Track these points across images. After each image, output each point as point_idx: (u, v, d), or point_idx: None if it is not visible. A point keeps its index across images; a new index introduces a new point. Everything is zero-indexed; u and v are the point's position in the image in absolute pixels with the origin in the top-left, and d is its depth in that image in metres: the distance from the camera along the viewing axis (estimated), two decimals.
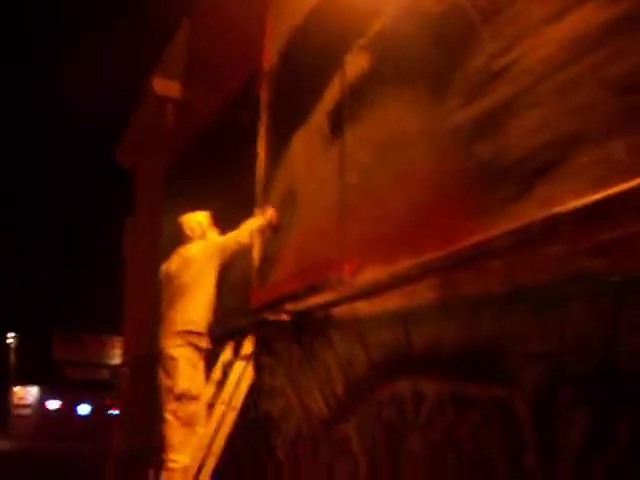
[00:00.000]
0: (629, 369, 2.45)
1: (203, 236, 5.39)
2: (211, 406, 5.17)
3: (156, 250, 9.97)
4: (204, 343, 5.05)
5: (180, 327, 4.98)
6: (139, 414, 9.63)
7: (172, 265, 5.30)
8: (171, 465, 4.86)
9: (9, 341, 43.40)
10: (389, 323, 3.88)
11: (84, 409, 39.64)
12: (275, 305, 5.18)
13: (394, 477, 3.74)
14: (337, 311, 4.45)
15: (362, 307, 4.17)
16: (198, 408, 5.01)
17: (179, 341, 4.96)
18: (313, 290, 4.72)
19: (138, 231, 12.43)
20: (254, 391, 5.43)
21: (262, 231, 5.61)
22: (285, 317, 4.95)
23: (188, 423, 4.94)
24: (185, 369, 4.93)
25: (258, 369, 5.44)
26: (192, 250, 5.26)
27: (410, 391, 3.66)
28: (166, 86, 10.19)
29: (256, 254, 5.87)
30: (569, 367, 2.71)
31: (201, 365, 5.07)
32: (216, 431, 5.15)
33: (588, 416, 2.59)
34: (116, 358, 35.29)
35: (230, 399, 5.24)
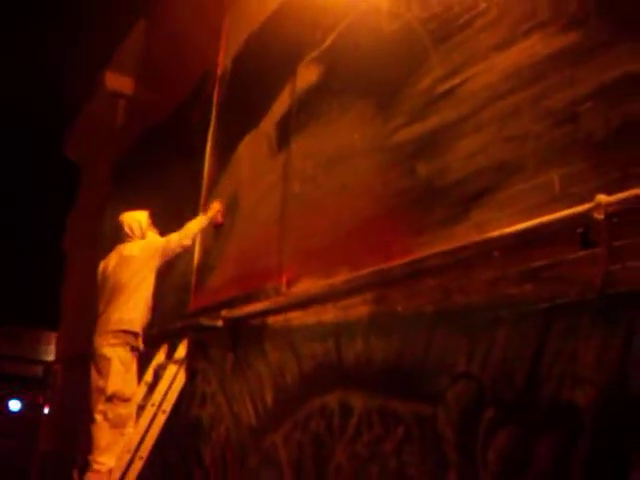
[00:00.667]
0: (551, 394, 2.50)
1: (142, 236, 5.31)
2: (141, 408, 5.10)
3: (97, 247, 9.82)
4: (139, 344, 4.98)
5: (116, 326, 4.89)
6: (69, 413, 9.45)
7: (110, 263, 5.22)
8: (96, 467, 4.77)
9: None
10: (322, 335, 3.89)
11: (15, 405, 38.78)
12: (211, 310, 5.15)
13: None
14: (272, 320, 4.45)
15: (296, 317, 4.18)
16: (129, 411, 4.91)
17: (113, 340, 4.87)
18: (250, 298, 4.72)
19: (80, 226, 12.23)
20: (185, 395, 5.38)
21: (203, 233, 5.58)
22: (220, 323, 4.92)
23: (117, 425, 4.84)
24: (118, 370, 4.83)
25: (191, 373, 5.39)
26: (131, 249, 5.19)
27: (338, 404, 3.67)
28: (118, 82, 10.09)
29: (196, 258, 5.84)
30: (493, 389, 2.75)
31: (134, 367, 4.99)
32: (145, 433, 5.08)
33: (509, 438, 2.63)
34: (51, 355, 34.63)
35: (161, 402, 5.17)
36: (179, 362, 5.31)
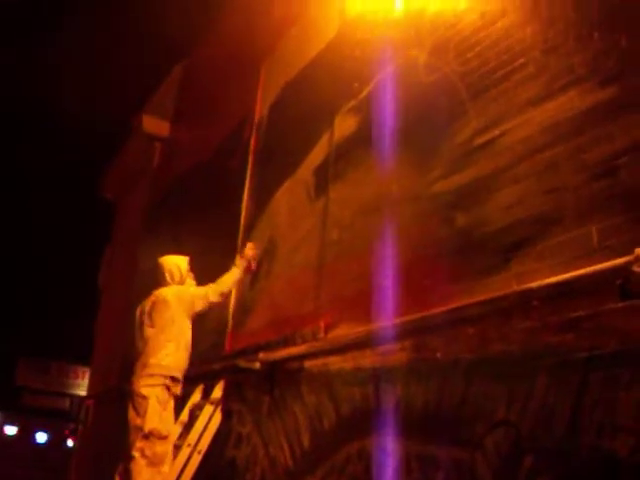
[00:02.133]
0: (591, 444, 2.53)
1: (181, 281, 5.35)
2: (177, 447, 5.15)
3: (131, 285, 9.97)
4: (177, 390, 5.03)
5: (152, 370, 4.94)
6: (101, 448, 9.52)
7: (147, 305, 5.28)
8: None
9: None
10: (360, 380, 3.94)
11: (41, 437, 38.90)
12: (248, 352, 5.21)
13: None
14: (309, 364, 4.50)
15: (334, 362, 4.23)
16: (165, 448, 4.92)
17: (151, 381, 4.93)
18: (287, 341, 4.78)
19: (115, 264, 12.42)
20: (221, 436, 5.43)
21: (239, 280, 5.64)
22: (257, 365, 4.98)
23: (154, 463, 4.85)
24: (155, 408, 4.87)
25: (227, 414, 5.45)
26: (167, 294, 5.22)
27: (376, 448, 3.71)
28: (155, 125, 10.31)
29: (233, 301, 5.92)
30: (532, 436, 2.78)
31: (171, 405, 5.04)
32: (180, 473, 5.13)
33: None
34: (79, 388, 34.76)
35: (197, 442, 5.23)
36: (215, 403, 5.37)
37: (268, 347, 4.99)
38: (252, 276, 5.65)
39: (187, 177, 8.45)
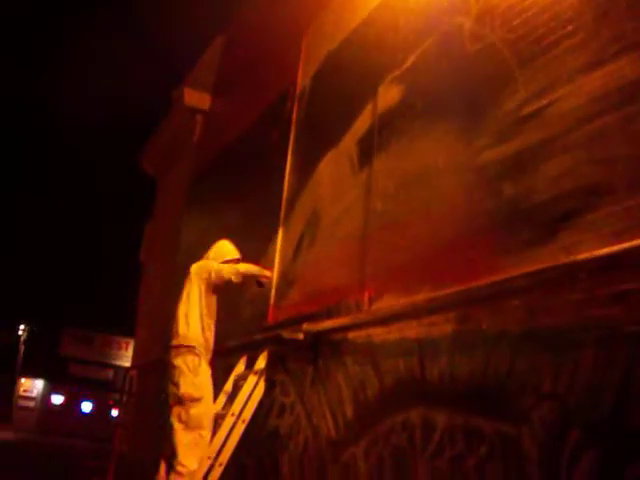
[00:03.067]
0: (638, 419, 2.51)
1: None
2: (221, 417, 5.26)
3: (172, 259, 10.08)
4: (207, 357, 5.25)
5: (181, 341, 5.22)
6: (143, 417, 9.71)
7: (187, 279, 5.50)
8: (179, 469, 4.95)
9: (19, 333, 43.65)
10: (404, 351, 3.94)
11: (86, 407, 39.81)
12: (292, 324, 5.25)
13: None
14: (353, 335, 4.52)
15: (378, 333, 4.24)
16: (199, 411, 5.11)
17: (179, 351, 5.18)
18: (331, 313, 4.80)
19: (156, 238, 12.55)
20: (264, 406, 5.50)
21: (282, 249, 5.76)
22: (301, 336, 5.02)
23: (192, 427, 5.05)
24: (186, 375, 5.10)
25: (270, 385, 5.51)
26: (193, 268, 5.50)
27: (421, 419, 3.71)
28: (196, 97, 10.33)
29: (276, 272, 5.95)
30: (579, 410, 2.76)
31: (203, 371, 5.19)
32: (224, 442, 5.22)
33: (595, 462, 2.64)
34: (123, 359, 35.46)
35: (240, 411, 5.31)
36: (258, 373, 5.44)
37: (311, 318, 5.02)
38: (295, 246, 5.69)
39: (228, 150, 8.47)
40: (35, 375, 39.30)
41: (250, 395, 5.38)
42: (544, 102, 3.34)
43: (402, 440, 3.85)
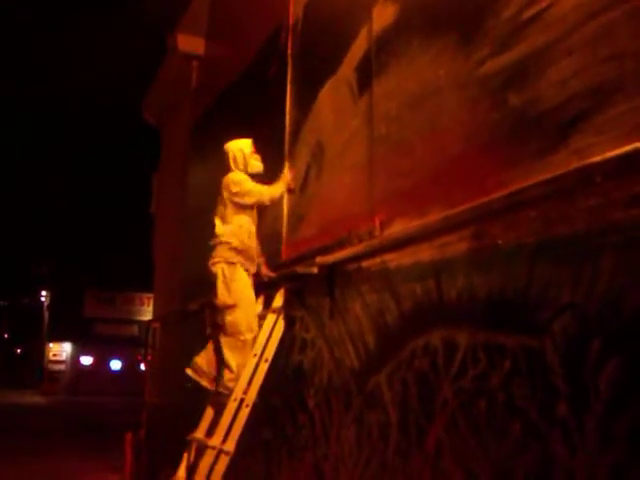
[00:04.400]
0: None
1: (245, 165, 5.66)
2: (262, 317, 5.53)
3: (182, 208, 10.05)
4: (243, 262, 5.44)
5: (217, 252, 5.42)
6: (169, 366, 9.81)
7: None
8: (225, 372, 5.31)
9: (42, 299, 44.25)
10: (420, 275, 3.89)
11: (116, 365, 40.53)
12: (305, 258, 5.22)
13: (425, 428, 3.79)
14: (367, 263, 4.47)
15: (393, 259, 4.19)
16: (235, 317, 5.30)
17: (217, 259, 5.40)
18: (343, 243, 4.74)
19: (165, 188, 12.50)
20: (286, 343, 5.52)
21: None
22: (315, 270, 4.99)
23: (229, 333, 5.31)
24: (222, 282, 5.32)
25: (289, 322, 5.51)
26: (223, 182, 5.61)
27: (442, 341, 3.68)
28: (190, 43, 10.14)
29: (285, 209, 5.90)
30: (600, 318, 2.70)
31: (238, 276, 5.37)
32: (250, 382, 5.26)
33: (619, 367, 2.60)
34: (145, 314, 35.91)
35: (262, 351, 5.34)
36: (277, 311, 5.44)
37: (325, 251, 4.97)
38: (303, 181, 5.64)
39: (228, 92, 8.34)
40: (62, 339, 40.02)
41: (270, 334, 5.40)
42: (544, 4, 3.19)
43: (424, 364, 3.82)
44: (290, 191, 5.78)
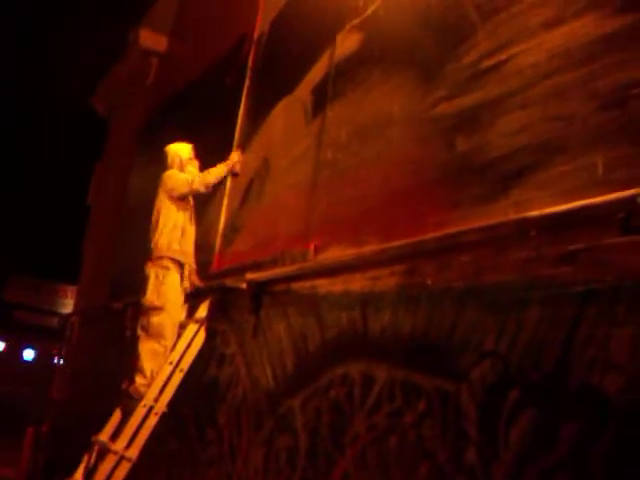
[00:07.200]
0: (579, 381, 2.47)
1: (181, 168, 5.62)
2: (183, 326, 5.42)
3: (121, 203, 9.87)
4: (173, 266, 5.36)
5: (153, 253, 5.38)
6: (83, 364, 9.58)
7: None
8: (138, 376, 5.20)
9: None
10: (348, 304, 3.88)
11: (28, 354, 39.33)
12: (235, 272, 5.17)
13: (334, 458, 3.75)
14: (297, 286, 4.44)
15: (323, 285, 4.16)
16: (160, 320, 5.23)
17: (153, 263, 5.36)
18: (276, 262, 4.71)
19: (105, 182, 12.25)
20: (204, 356, 5.42)
21: (231, 194, 5.77)
22: (244, 285, 4.93)
23: (152, 334, 5.23)
24: (153, 283, 5.29)
25: (210, 334, 5.42)
26: (162, 178, 5.56)
27: (360, 374, 3.66)
28: (152, 39, 10.04)
29: (222, 219, 5.84)
30: (520, 369, 2.73)
31: (171, 280, 5.31)
32: (162, 390, 5.15)
33: (532, 420, 2.62)
34: (67, 307, 35.02)
35: (179, 360, 5.24)
36: (199, 322, 5.36)
37: (256, 267, 4.93)
38: (243, 194, 5.60)
39: (183, 94, 8.26)
40: None
41: (189, 344, 5.31)
42: (503, 57, 3.25)
43: (341, 394, 3.80)
44: (235, 175, 5.74)
